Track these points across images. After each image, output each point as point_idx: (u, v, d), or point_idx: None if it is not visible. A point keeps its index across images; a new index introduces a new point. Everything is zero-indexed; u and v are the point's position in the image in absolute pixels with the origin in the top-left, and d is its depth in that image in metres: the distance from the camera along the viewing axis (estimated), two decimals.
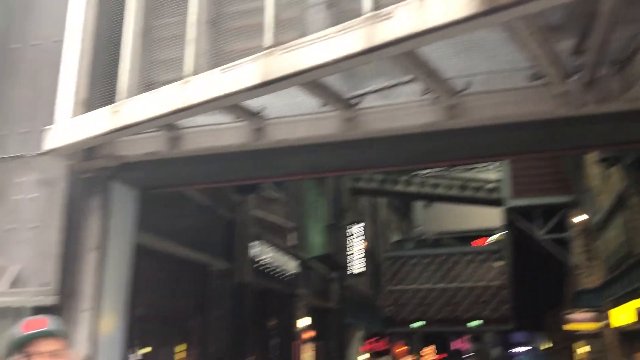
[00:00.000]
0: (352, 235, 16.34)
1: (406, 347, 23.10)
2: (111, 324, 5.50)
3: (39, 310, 5.23)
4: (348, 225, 16.32)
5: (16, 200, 5.74)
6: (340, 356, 14.30)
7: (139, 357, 7.22)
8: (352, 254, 16.06)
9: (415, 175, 18.48)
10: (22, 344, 2.06)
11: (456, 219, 24.32)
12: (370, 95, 4.56)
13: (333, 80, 4.33)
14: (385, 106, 4.58)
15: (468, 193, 18.58)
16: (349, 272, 15.78)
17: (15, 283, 5.41)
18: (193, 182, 6.42)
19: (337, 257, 14.26)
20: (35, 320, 2.13)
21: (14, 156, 5.92)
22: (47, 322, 2.14)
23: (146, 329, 7.72)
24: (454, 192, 18.56)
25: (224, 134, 5.04)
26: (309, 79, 3.92)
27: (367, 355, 18.53)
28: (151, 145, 5.29)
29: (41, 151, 5.42)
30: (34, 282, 5.39)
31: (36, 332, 2.07)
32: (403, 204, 25.53)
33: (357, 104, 4.58)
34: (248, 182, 8.15)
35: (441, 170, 18.18)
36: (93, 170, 5.62)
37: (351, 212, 16.91)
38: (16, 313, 5.25)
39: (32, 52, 6.12)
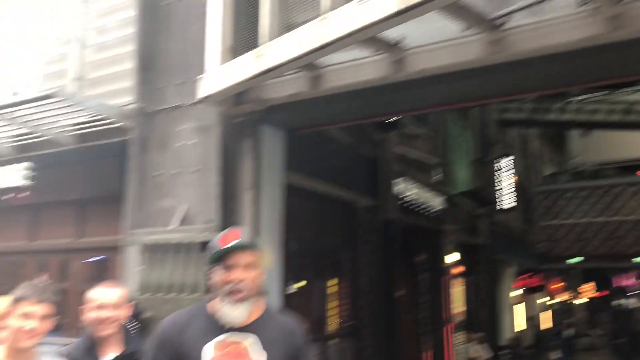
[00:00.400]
0: (500, 169, 15.66)
1: (562, 284, 22.08)
2: (268, 258, 5.89)
3: (204, 245, 5.75)
4: (496, 159, 15.64)
5: (178, 146, 6.26)
6: (491, 292, 14.06)
7: (294, 291, 7.68)
8: (501, 188, 15.43)
9: (570, 101, 17.03)
10: (221, 257, 2.12)
11: (618, 148, 22.16)
12: (518, 14, 4.21)
13: (476, 1, 4.06)
14: (535, 24, 4.20)
15: (633, 118, 16.75)
16: (498, 208, 15.24)
17: (184, 221, 5.98)
18: (335, 120, 6.52)
19: (484, 192, 13.81)
20: (231, 233, 2.17)
21: (173, 106, 6.42)
22: (241, 235, 2.17)
23: (299, 264, 8.17)
24: (616, 117, 16.82)
25: (363, 69, 5.00)
26: (450, 2, 3.72)
27: (521, 291, 18.03)
28: (294, 86, 5.41)
29: (196, 100, 5.83)
30: (199, 220, 5.91)
31: (232, 246, 2.11)
32: (556, 134, 23.79)
33: (502, 24, 4.26)
34: (389, 117, 8.09)
35: (600, 94, 16.55)
36: (243, 115, 5.92)
37: (499, 145, 16.14)
38: (187, 248, 5.82)
39: (182, 6, 6.49)
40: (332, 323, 8.48)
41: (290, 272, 7.55)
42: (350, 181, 8.46)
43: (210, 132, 6.03)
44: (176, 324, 2.15)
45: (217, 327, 2.09)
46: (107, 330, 2.64)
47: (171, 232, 5.92)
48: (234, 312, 2.08)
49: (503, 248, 15.37)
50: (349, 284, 8.86)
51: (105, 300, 2.66)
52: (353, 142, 8.49)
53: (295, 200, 7.39)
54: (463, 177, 13.26)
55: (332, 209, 8.62)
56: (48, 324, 2.35)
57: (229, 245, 2.12)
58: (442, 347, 11.08)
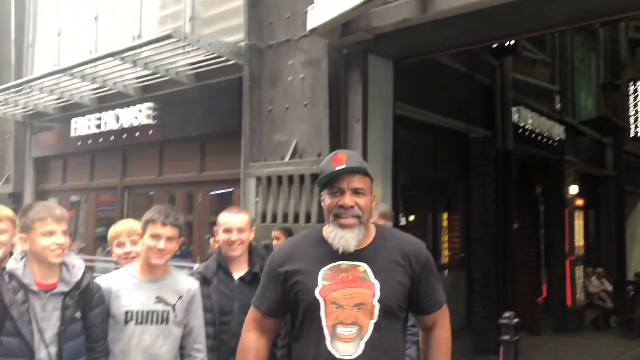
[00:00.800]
0: (632, 94, 14.31)
1: None
2: (378, 191, 5.91)
3: (316, 177, 5.88)
4: (627, 83, 14.28)
5: (289, 81, 6.35)
6: (617, 226, 13.21)
7: (405, 224, 7.69)
8: (633, 115, 14.15)
9: None
10: (329, 181, 2.04)
11: None
12: None
13: None
14: None
15: None
16: (628, 136, 14.03)
17: (295, 154, 6.14)
18: (446, 46, 6.24)
19: (612, 120, 12.73)
20: (340, 156, 2.05)
21: (282, 41, 6.47)
22: (349, 158, 2.04)
23: (410, 197, 8.15)
24: None
25: None
26: None
27: None
28: (402, 12, 5.23)
29: (304, 33, 5.82)
30: (309, 153, 6.04)
31: (341, 169, 2.00)
32: None
33: None
34: (505, 41, 7.61)
35: None
36: (351, 46, 5.84)
37: (631, 68, 14.69)
38: (299, 180, 6.00)
39: None
40: (444, 255, 8.46)
41: (401, 205, 7.57)
42: (463, 111, 8.16)
43: (319, 65, 6.04)
44: (287, 252, 2.12)
45: (329, 254, 2.02)
46: (235, 252, 2.82)
47: (284, 165, 6.12)
48: (342, 238, 1.99)
49: (632, 179, 14.27)
50: (462, 216, 8.73)
51: (233, 224, 2.83)
52: (467, 69, 8.12)
53: (405, 132, 7.29)
54: (588, 103, 12.30)
55: (445, 141, 8.42)
56: (174, 245, 2.57)
57: (338, 168, 2.00)
58: (561, 281, 10.71)
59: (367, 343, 1.93)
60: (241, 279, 2.83)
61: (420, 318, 2.16)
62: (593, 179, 13.11)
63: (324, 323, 1.96)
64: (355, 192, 2.02)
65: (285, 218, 6.05)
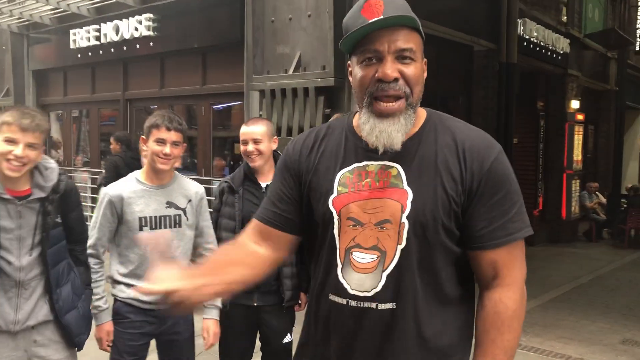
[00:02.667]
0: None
1: None
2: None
3: (321, 90, 5.90)
4: None
5: None
6: (616, 141, 13.32)
7: None
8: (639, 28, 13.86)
9: None
10: (360, 42, 1.36)
11: None
12: None
13: None
14: None
15: None
16: (634, 49, 13.82)
17: (299, 67, 6.10)
18: None
19: (618, 33, 12.49)
20: (374, 2, 1.33)
21: None
22: (385, 7, 1.32)
23: None
24: None
25: None
26: None
27: None
28: None
29: None
30: (313, 65, 6.00)
31: (375, 22, 1.31)
32: None
33: None
34: None
35: None
36: None
37: None
38: (303, 93, 6.01)
39: None
40: None
41: None
42: (468, 23, 8.01)
43: None
44: (307, 142, 1.52)
45: (355, 151, 1.43)
46: (253, 162, 2.83)
47: (288, 78, 6.09)
48: (383, 132, 1.35)
49: (634, 94, 14.22)
50: None
51: (248, 135, 2.83)
52: None
53: None
54: (595, 15, 12.03)
55: (448, 53, 8.32)
56: (179, 150, 2.57)
57: (372, 20, 1.31)
58: (557, 194, 10.97)
59: (389, 276, 1.35)
60: (268, 187, 2.88)
61: (473, 261, 1.41)
62: (595, 94, 13.07)
63: (337, 245, 1.40)
64: (401, 56, 1.34)
65: (289, 131, 6.11)
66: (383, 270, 1.35)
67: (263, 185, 2.89)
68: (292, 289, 2.82)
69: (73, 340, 2.34)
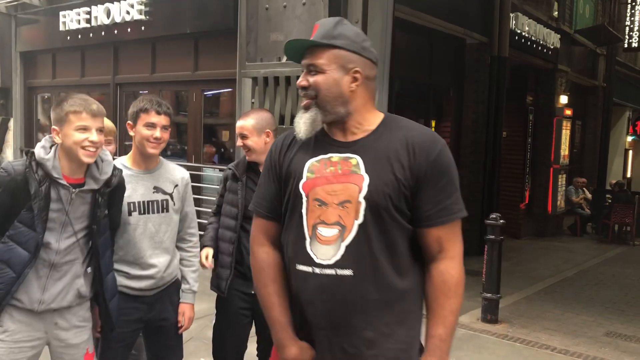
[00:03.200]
0: (630, 2, 14.05)
1: None
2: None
3: None
4: None
5: None
6: (603, 137, 13.45)
7: None
8: (629, 25, 13.97)
9: None
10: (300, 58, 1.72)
11: None
12: None
13: None
14: None
15: None
16: (622, 47, 13.95)
17: None
18: None
19: (608, 29, 12.60)
20: (316, 25, 1.72)
21: None
22: (318, 28, 1.70)
23: (402, 103, 8.19)
24: None
25: None
26: None
27: (635, 137, 17.13)
28: None
29: None
30: None
31: (294, 42, 1.71)
32: None
33: None
34: None
35: None
36: None
37: None
38: (296, 81, 5.99)
39: None
40: None
41: (395, 110, 7.64)
42: (461, 15, 8.04)
43: None
44: (282, 143, 1.81)
45: (323, 144, 1.71)
46: (249, 157, 2.82)
47: (281, 66, 6.07)
48: (297, 123, 1.70)
49: (621, 91, 14.37)
50: (453, 123, 8.84)
51: (239, 130, 2.83)
52: None
53: (402, 35, 7.21)
54: (586, 12, 12.12)
55: (441, 46, 8.35)
56: (167, 134, 2.57)
57: (291, 41, 1.69)
58: (544, 189, 11.08)
59: (347, 247, 1.60)
60: None
61: (421, 237, 1.66)
62: (583, 89, 13.19)
63: (305, 222, 1.66)
64: (309, 69, 1.68)
65: (282, 120, 6.10)
66: (342, 242, 1.61)
67: None
68: None
69: (114, 324, 2.41)
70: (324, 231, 1.62)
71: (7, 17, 10.22)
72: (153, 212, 2.57)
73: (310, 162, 1.69)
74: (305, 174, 1.68)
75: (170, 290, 2.69)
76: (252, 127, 2.82)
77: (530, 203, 11.07)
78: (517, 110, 10.61)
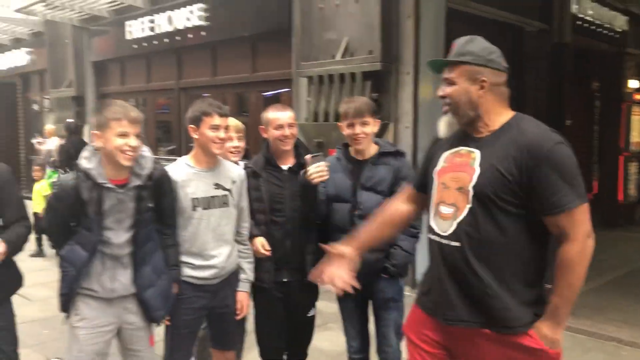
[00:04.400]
0: None
1: None
2: (429, 88, 5.93)
3: (367, 75, 5.97)
4: None
5: None
6: None
7: None
8: None
9: None
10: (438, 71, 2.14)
11: None
12: None
13: None
14: None
15: None
16: None
17: (347, 53, 6.18)
18: None
19: None
20: (454, 44, 2.10)
21: None
22: (455, 47, 2.08)
23: None
24: None
25: None
26: None
27: None
28: None
29: None
30: (360, 51, 6.06)
31: (434, 62, 2.13)
32: None
33: None
34: None
35: None
36: None
37: None
38: (350, 78, 6.09)
39: None
40: None
41: None
42: (518, 4, 7.87)
43: None
44: (436, 139, 2.26)
45: (458, 140, 2.10)
46: (287, 146, 2.98)
47: (335, 64, 6.18)
48: (440, 124, 2.13)
49: None
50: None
51: (284, 120, 2.97)
52: None
53: (458, 26, 7.14)
54: None
55: (498, 35, 8.19)
56: (228, 134, 2.79)
57: (431, 61, 2.14)
58: (613, 177, 10.66)
59: (458, 224, 1.98)
60: (290, 169, 3.02)
61: (546, 223, 1.94)
62: None
63: (432, 200, 2.10)
64: (446, 82, 2.07)
65: (337, 117, 6.19)
66: (455, 219, 2.00)
67: (285, 167, 3.03)
68: (313, 264, 2.85)
69: (151, 314, 2.62)
70: (443, 209, 2.04)
71: (81, 30, 10.87)
72: (215, 207, 2.76)
73: (446, 154, 2.11)
74: (440, 163, 2.11)
75: (232, 280, 2.90)
76: (294, 117, 3.04)
77: (599, 193, 10.67)
78: (582, 97, 10.25)
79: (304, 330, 3.15)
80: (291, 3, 6.77)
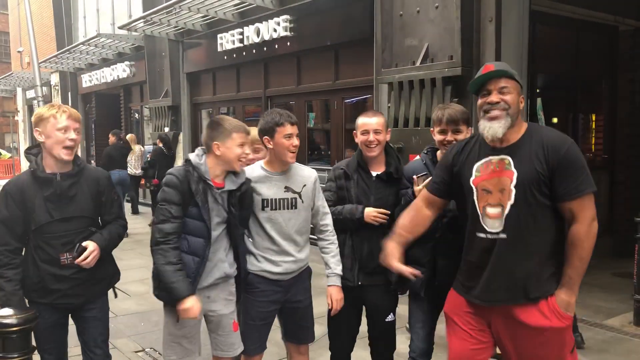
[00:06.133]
0: None
1: None
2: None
3: (447, 80, 5.97)
4: None
5: None
6: None
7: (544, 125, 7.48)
8: None
9: None
10: (479, 86, 2.44)
11: None
12: None
13: None
14: None
15: None
16: None
17: (427, 59, 6.21)
18: None
19: None
20: (488, 66, 2.44)
21: None
22: (495, 66, 2.42)
23: (549, 98, 7.86)
24: None
25: None
26: None
27: None
28: None
29: None
30: (440, 56, 6.07)
31: (485, 74, 2.40)
32: None
33: None
34: None
35: None
36: None
37: None
38: (430, 84, 6.11)
39: None
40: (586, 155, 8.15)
41: (542, 106, 7.38)
42: (611, 2, 7.53)
43: None
44: (457, 148, 2.59)
45: (485, 151, 2.43)
46: (372, 152, 3.06)
47: (416, 70, 6.23)
48: (491, 128, 2.36)
49: None
50: (606, 116, 8.28)
51: (370, 126, 3.05)
52: None
53: (543, 28, 6.98)
54: None
55: (589, 36, 7.89)
56: (298, 140, 2.94)
57: (482, 74, 2.42)
58: None
59: (506, 219, 2.34)
60: (378, 176, 3.11)
61: (561, 209, 2.33)
62: None
63: (477, 205, 2.41)
64: (501, 90, 2.39)
65: (417, 122, 6.26)
66: (502, 217, 2.35)
67: (374, 174, 3.12)
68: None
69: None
70: (490, 210, 2.37)
71: (176, 43, 11.59)
72: (283, 209, 2.95)
73: (477, 165, 2.44)
74: (474, 173, 2.44)
75: (303, 276, 3.09)
76: (383, 124, 3.08)
77: None
78: None
79: (383, 335, 3.20)
80: (373, 12, 6.89)
